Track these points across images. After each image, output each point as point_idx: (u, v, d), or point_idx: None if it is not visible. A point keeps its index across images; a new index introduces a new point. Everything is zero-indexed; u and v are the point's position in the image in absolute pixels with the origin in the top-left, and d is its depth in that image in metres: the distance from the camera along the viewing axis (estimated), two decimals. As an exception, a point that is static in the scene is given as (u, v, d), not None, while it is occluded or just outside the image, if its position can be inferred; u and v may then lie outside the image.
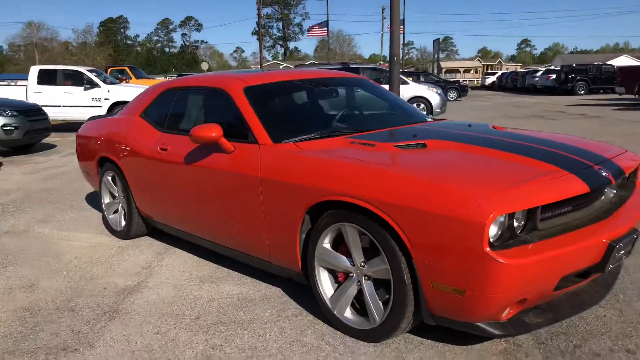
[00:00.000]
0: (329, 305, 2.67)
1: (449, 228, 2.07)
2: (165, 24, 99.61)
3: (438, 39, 40.07)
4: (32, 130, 9.59)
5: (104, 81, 13.53)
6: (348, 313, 2.61)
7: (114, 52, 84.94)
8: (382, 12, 59.04)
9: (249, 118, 3.11)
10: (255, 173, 2.89)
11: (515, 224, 2.15)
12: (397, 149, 2.66)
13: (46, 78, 13.37)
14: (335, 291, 2.69)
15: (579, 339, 2.46)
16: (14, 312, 3.05)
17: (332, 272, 2.72)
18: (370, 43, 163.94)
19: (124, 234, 4.32)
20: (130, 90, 13.37)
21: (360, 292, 2.56)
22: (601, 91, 27.78)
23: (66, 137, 12.60)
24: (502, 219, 2.08)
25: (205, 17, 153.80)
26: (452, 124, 3.31)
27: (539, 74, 31.57)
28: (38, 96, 13.13)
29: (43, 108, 10.63)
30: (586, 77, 27.47)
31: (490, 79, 42.73)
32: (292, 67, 30.10)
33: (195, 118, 3.64)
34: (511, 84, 36.29)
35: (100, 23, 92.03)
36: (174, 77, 38.49)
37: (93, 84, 13.20)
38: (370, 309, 2.46)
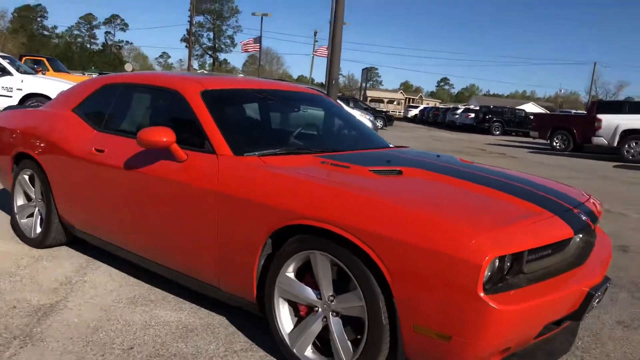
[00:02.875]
0: (287, 342, 2.39)
1: (439, 266, 1.89)
2: (88, 19, 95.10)
3: (367, 68, 41.05)
4: None
5: (17, 69, 12.42)
6: (309, 352, 2.34)
7: (29, 41, 79.68)
8: (315, 35, 59.92)
9: (207, 125, 2.80)
10: (211, 186, 2.57)
11: (504, 266, 2.01)
12: (373, 174, 2.47)
13: (-50, 61, 12.07)
14: (295, 326, 2.41)
15: (550, 390, 2.35)
16: None
17: (293, 305, 2.45)
18: (298, 64, 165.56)
19: (39, 242, 3.79)
20: (47, 83, 12.37)
21: (324, 329, 2.31)
22: (513, 133, 29.61)
23: (-32, 126, 11.36)
24: (495, 261, 1.93)
25: (133, 18, 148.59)
26: (419, 152, 3.18)
27: (459, 111, 33.15)
28: (-62, 79, 11.81)
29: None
30: (501, 119, 29.18)
31: (413, 112, 44.44)
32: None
33: (141, 119, 3.26)
34: (432, 119, 37.85)
35: (15, 9, 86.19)
36: (93, 75, 36.51)
37: (5, 72, 12.05)
38: (337, 349, 2.21)
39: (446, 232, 1.91)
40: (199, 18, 77.46)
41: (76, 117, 3.55)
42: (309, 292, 2.33)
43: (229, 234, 2.52)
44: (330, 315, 2.26)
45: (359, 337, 2.20)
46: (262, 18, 39.10)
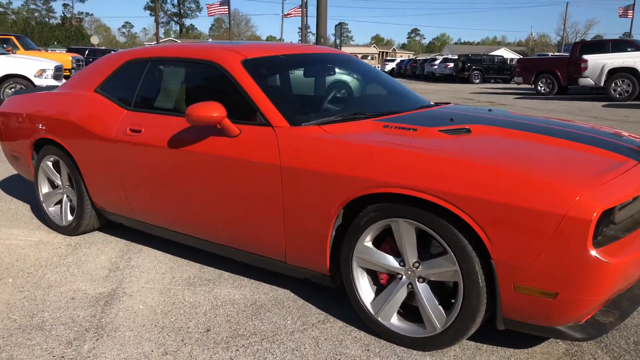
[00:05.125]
0: (371, 311, 2.36)
1: (544, 225, 1.85)
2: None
3: (340, 24, 40.27)
4: None
5: (-10, 51, 11.87)
6: (395, 320, 2.32)
7: (-17, 19, 76.24)
8: (283, -7, 58.39)
9: (255, 96, 2.68)
10: (272, 160, 2.48)
11: (608, 219, 1.98)
12: (444, 135, 2.40)
13: None
14: (376, 295, 2.39)
15: (636, 335, 2.38)
16: (-38, 335, 2.41)
17: (371, 274, 2.42)
18: (267, 25, 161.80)
19: (72, 229, 3.67)
20: (23, 62, 11.86)
21: (409, 296, 2.29)
22: (492, 80, 29.62)
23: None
24: (602, 215, 1.90)
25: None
26: (470, 108, 3.11)
27: (437, 62, 32.96)
28: None
29: None
30: (481, 67, 29.10)
31: (390, 66, 44.06)
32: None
33: (178, 95, 3.11)
34: (410, 71, 37.60)
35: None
36: (57, 50, 35.16)
37: (-23, 54, 11.53)
38: (429, 314, 2.19)
39: (548, 190, 1.87)
40: (161, -17, 74.73)
41: (101, 97, 3.38)
42: (391, 260, 2.29)
43: (297, 207, 2.45)
44: (417, 282, 2.23)
45: (452, 301, 2.18)
46: (229, -21, 37.78)
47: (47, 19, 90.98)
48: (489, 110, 3.03)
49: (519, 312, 2.03)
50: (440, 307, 2.19)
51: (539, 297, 1.94)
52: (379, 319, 2.34)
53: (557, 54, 33.43)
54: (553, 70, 17.22)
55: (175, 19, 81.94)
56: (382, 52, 77.83)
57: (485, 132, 2.47)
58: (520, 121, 2.72)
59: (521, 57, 30.79)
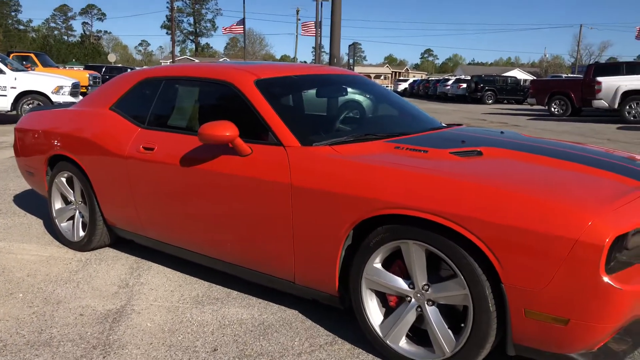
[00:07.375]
0: (379, 334, 2.34)
1: (556, 250, 1.83)
2: (63, 10, 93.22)
3: (354, 44, 40.56)
4: None
5: (9, 67, 12.09)
6: (403, 343, 2.29)
7: (4, 37, 77.92)
8: (297, 13, 59.02)
9: (268, 116, 2.70)
10: (283, 179, 2.49)
11: (622, 245, 1.95)
12: (455, 157, 2.39)
13: (-61, 62, 11.72)
14: (385, 317, 2.36)
15: (649, 364, 2.33)
16: (-29, 349, 2.42)
17: (380, 296, 2.40)
18: (281, 44, 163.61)
19: (83, 245, 3.69)
20: (40, 79, 12.09)
21: (418, 319, 2.26)
22: (505, 101, 29.58)
23: (-35, 128, 11.11)
24: (615, 241, 1.88)
25: (109, 7, 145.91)
26: (482, 130, 3.10)
27: (450, 82, 32.99)
28: None
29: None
30: (494, 88, 29.08)
31: (403, 86, 44.15)
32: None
33: (192, 114, 3.14)
34: (423, 91, 37.62)
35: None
36: (75, 67, 35.87)
37: (-3, 70, 11.75)
38: (438, 338, 2.16)
39: (560, 214, 1.85)
40: (178, 3, 76.15)
41: (115, 115, 3.42)
42: (400, 282, 2.27)
43: (306, 227, 2.45)
44: (426, 305, 2.21)
45: (462, 325, 2.15)
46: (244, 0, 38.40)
47: (66, 37, 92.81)
48: (501, 132, 3.02)
49: (529, 338, 1.99)
50: (449, 331, 2.16)
51: (551, 323, 1.91)
52: (388, 341, 2.31)
53: (571, 75, 33.36)
54: (567, 92, 17.18)
55: (191, 38, 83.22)
56: (395, 72, 78.17)
57: (497, 155, 2.46)
58: (533, 144, 2.71)
59: (534, 78, 30.73)
